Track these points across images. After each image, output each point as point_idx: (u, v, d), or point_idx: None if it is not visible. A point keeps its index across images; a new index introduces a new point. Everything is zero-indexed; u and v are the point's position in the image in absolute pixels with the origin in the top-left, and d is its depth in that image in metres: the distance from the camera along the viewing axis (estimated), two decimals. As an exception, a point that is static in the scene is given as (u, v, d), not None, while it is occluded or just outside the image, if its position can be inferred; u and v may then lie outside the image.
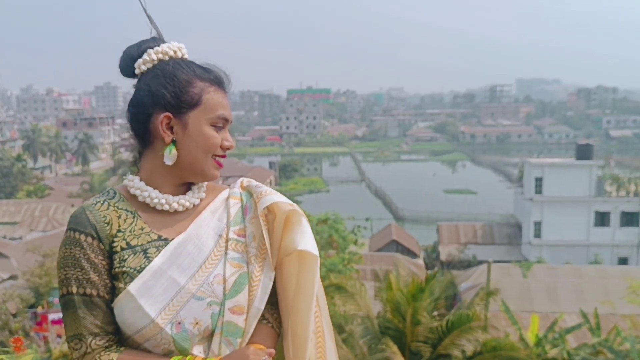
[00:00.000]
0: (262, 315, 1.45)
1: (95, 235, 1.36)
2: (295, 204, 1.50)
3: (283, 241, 1.44)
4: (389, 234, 32.02)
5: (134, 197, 1.44)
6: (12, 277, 23.68)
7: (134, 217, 1.41)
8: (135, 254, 1.37)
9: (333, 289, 10.88)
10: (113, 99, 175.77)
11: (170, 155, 1.40)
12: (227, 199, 1.51)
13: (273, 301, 1.46)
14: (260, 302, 1.41)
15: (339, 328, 10.55)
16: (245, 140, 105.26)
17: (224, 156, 1.46)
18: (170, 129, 1.41)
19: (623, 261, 29.69)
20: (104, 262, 1.36)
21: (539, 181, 30.33)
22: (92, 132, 72.71)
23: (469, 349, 10.37)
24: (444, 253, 30.90)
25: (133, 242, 1.38)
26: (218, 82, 1.46)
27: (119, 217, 1.40)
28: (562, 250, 29.75)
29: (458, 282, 21.69)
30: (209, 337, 1.38)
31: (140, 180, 1.44)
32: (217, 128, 1.43)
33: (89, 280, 1.34)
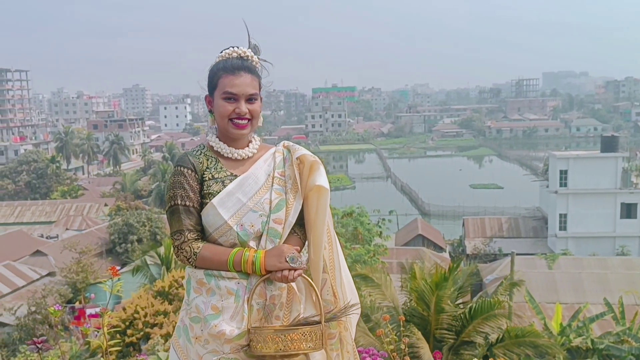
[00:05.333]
0: (294, 230, 2.24)
1: (193, 169, 2.20)
2: (316, 156, 2.27)
3: (308, 180, 2.24)
4: (415, 229, 32.22)
5: (214, 148, 2.28)
6: (50, 274, 24.52)
7: (215, 161, 2.26)
8: (217, 182, 2.20)
9: (359, 279, 11.06)
10: (142, 100, 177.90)
11: (210, 120, 2.30)
12: (274, 153, 2.32)
13: (302, 223, 2.27)
14: (293, 218, 2.21)
15: (365, 317, 10.78)
16: (271, 140, 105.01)
17: (241, 119, 2.20)
18: (210, 103, 2.26)
19: (651, 253, 29.46)
20: (197, 186, 2.19)
21: (563, 174, 30.20)
22: (123, 134, 74.02)
23: (492, 336, 10.57)
24: (470, 246, 31.04)
25: (215, 175, 2.21)
26: (230, 69, 2.21)
27: (207, 160, 2.25)
28: (588, 242, 29.62)
29: (484, 275, 21.88)
30: (259, 237, 2.18)
31: (216, 137, 2.28)
32: (231, 101, 2.20)
33: (188, 196, 2.17)
